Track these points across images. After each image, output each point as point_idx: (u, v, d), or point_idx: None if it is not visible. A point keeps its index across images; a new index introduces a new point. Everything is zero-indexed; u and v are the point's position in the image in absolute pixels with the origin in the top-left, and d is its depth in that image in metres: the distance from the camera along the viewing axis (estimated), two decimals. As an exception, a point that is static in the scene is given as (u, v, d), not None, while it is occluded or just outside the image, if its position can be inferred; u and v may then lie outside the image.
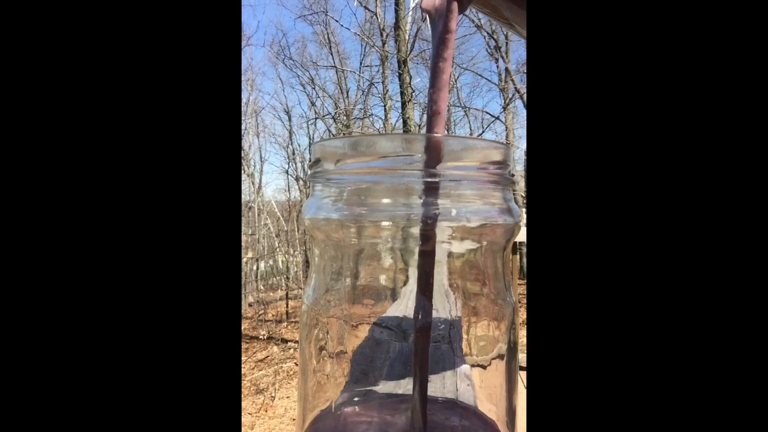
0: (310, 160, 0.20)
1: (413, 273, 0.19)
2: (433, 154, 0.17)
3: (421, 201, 0.17)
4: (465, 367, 0.20)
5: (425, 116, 0.20)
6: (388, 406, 0.18)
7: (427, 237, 0.17)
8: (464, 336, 0.19)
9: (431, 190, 0.17)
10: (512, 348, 0.19)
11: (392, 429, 0.18)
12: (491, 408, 0.20)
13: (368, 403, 0.20)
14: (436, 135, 0.18)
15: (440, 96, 0.20)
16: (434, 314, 0.19)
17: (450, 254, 0.19)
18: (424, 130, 0.20)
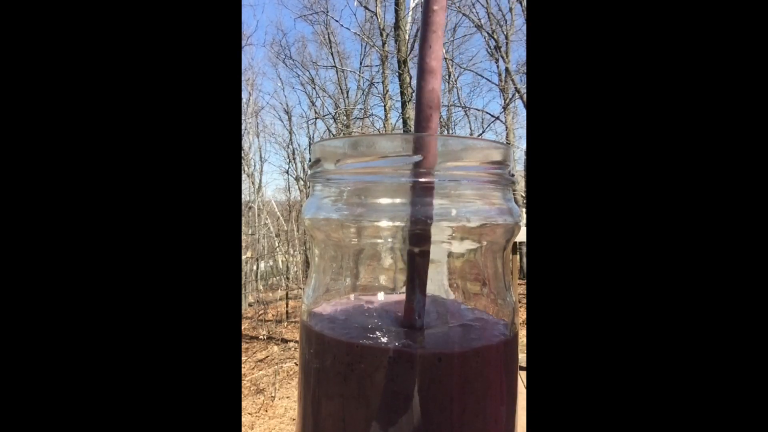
0: (310, 160, 0.20)
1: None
2: (426, 153, 0.17)
3: (410, 201, 0.17)
4: None
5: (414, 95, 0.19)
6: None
7: (424, 238, 0.17)
8: (464, 336, 0.19)
9: (424, 189, 0.17)
10: (512, 348, 0.19)
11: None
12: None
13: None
14: (429, 135, 0.18)
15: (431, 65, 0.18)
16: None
17: (450, 254, 0.19)
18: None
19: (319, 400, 0.18)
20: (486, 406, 0.17)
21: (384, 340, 0.17)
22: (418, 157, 0.17)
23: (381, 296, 0.19)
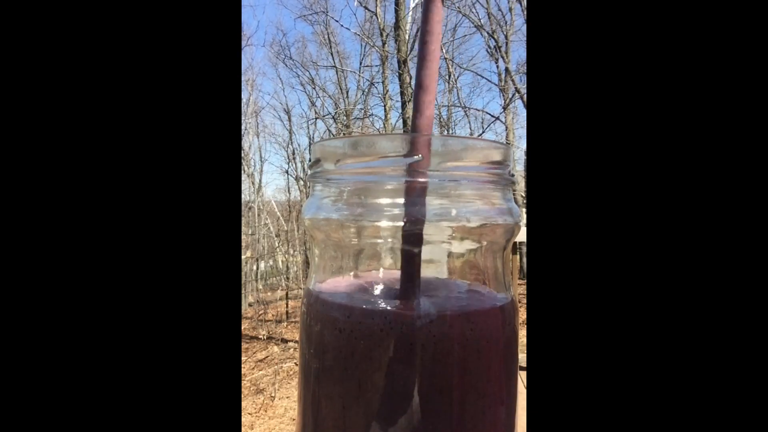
0: (310, 160, 0.20)
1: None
2: (420, 152, 0.17)
3: (404, 201, 0.17)
4: None
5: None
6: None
7: (418, 238, 0.17)
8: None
9: (418, 189, 0.17)
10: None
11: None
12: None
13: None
14: (423, 135, 0.18)
15: (427, 71, 0.18)
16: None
17: (450, 254, 0.19)
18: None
19: (319, 400, 0.18)
20: (486, 370, 0.17)
21: (383, 306, 0.17)
22: (418, 158, 0.17)
23: (381, 273, 0.19)
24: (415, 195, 0.17)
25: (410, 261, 0.17)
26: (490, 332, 0.17)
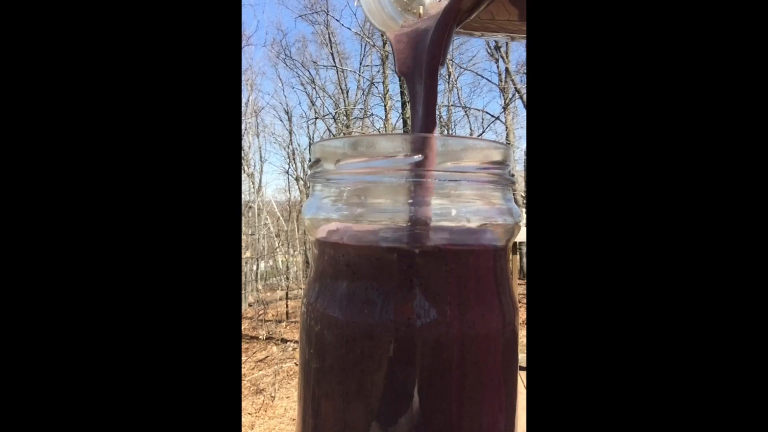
0: (310, 160, 0.20)
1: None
2: (427, 153, 0.17)
3: (410, 201, 0.17)
4: None
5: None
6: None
7: (423, 237, 0.17)
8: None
9: (424, 189, 0.17)
10: (512, 348, 0.19)
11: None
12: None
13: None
14: (429, 135, 0.18)
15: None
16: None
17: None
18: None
19: (319, 399, 0.18)
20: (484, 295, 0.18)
21: (383, 304, 0.17)
22: (418, 157, 0.17)
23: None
24: (423, 195, 0.17)
25: (415, 262, 0.17)
26: (488, 265, 0.17)
